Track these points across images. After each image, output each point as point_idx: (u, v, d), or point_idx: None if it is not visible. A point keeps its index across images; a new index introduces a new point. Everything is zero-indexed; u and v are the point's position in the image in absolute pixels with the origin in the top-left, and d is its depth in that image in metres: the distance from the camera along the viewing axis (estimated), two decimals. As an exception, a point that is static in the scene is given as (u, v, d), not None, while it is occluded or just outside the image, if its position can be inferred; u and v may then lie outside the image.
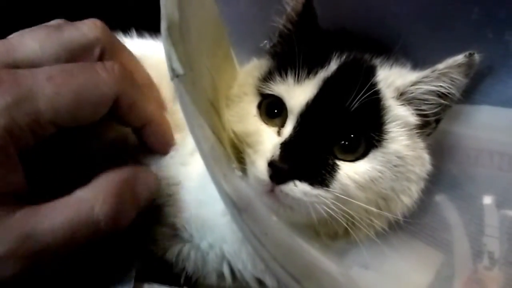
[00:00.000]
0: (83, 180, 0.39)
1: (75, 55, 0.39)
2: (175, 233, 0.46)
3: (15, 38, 0.39)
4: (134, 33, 0.56)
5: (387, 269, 0.46)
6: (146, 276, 0.46)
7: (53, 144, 0.38)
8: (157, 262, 0.48)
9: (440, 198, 0.48)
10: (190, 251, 0.46)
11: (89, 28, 0.40)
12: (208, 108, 0.39)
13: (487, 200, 0.46)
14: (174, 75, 0.29)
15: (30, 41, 0.38)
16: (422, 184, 0.45)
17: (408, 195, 0.44)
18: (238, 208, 0.34)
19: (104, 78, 0.38)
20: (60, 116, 0.36)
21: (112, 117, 0.40)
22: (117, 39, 0.43)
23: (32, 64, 0.37)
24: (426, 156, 0.45)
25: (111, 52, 0.41)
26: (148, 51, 0.50)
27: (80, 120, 0.37)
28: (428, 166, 0.45)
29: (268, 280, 0.46)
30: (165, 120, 0.44)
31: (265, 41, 0.50)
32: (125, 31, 0.58)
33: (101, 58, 0.40)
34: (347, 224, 0.41)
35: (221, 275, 0.46)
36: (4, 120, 0.33)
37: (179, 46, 0.30)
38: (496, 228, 0.45)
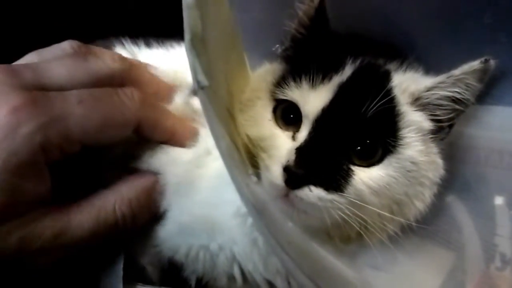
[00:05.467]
0: (95, 177, 0.45)
1: (100, 83, 0.42)
2: (183, 232, 0.47)
3: (43, 63, 0.42)
4: (142, 42, 0.57)
5: (399, 270, 0.46)
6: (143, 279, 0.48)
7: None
8: (167, 265, 0.48)
9: (451, 199, 0.48)
10: (199, 251, 0.46)
11: (111, 60, 0.44)
12: (226, 115, 0.39)
13: (498, 200, 0.46)
14: (199, 86, 0.30)
15: (58, 68, 0.41)
16: (435, 189, 0.45)
17: (421, 200, 0.44)
18: (258, 211, 0.34)
19: (128, 105, 0.42)
20: (87, 136, 0.40)
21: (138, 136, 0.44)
22: (135, 63, 0.47)
23: (60, 89, 0.40)
24: (440, 161, 0.45)
25: (129, 78, 0.45)
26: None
27: (105, 141, 0.42)
28: (441, 171, 0.45)
29: (279, 282, 0.46)
30: (188, 125, 0.48)
31: (277, 45, 0.50)
32: (125, 33, 0.59)
33: (121, 84, 0.44)
34: (360, 228, 0.41)
35: (231, 277, 0.47)
36: (39, 137, 0.37)
37: (202, 56, 0.30)
38: (508, 229, 0.45)
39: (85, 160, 0.43)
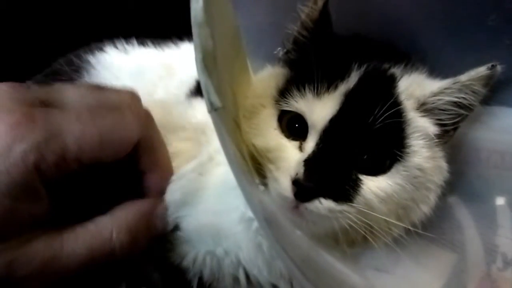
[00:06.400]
0: (98, 199, 0.43)
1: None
2: (191, 239, 0.47)
3: (60, 85, 0.42)
4: (134, 41, 0.56)
5: (401, 272, 0.46)
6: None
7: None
8: (172, 269, 0.48)
9: (452, 200, 0.48)
10: (206, 257, 0.46)
11: (126, 95, 0.43)
12: (233, 127, 0.38)
13: (500, 201, 0.47)
14: (213, 108, 0.29)
15: (71, 91, 0.41)
16: (439, 191, 0.45)
17: (427, 203, 0.44)
18: (268, 223, 0.34)
19: (130, 121, 0.40)
20: (85, 154, 0.38)
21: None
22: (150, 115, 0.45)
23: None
24: (444, 165, 0.45)
25: None
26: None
27: (103, 159, 0.40)
28: (445, 174, 0.45)
29: (283, 285, 0.47)
30: (171, 169, 0.47)
31: (279, 48, 0.49)
32: (125, 33, 0.58)
33: None
34: (365, 232, 0.42)
35: (236, 280, 0.47)
36: (33, 157, 0.35)
37: (214, 75, 0.30)
38: (509, 229, 0.46)
39: (88, 180, 0.42)
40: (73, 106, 0.40)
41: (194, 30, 0.29)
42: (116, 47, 0.59)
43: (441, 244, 0.47)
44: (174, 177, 0.46)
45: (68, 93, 0.40)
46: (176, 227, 0.47)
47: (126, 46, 0.60)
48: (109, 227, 0.40)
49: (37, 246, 0.37)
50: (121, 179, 0.45)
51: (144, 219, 0.43)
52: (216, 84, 0.29)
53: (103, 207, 0.43)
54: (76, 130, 0.37)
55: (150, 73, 0.60)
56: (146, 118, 0.42)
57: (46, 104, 0.39)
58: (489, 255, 0.45)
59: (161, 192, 0.46)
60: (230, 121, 0.35)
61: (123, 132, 0.40)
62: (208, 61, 0.29)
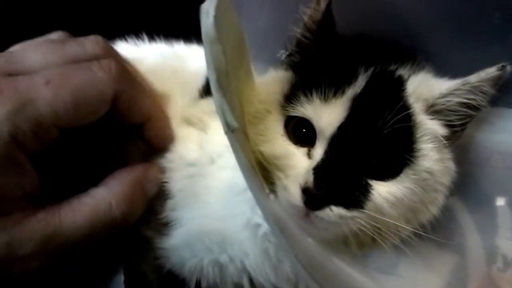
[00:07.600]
0: (91, 177, 0.42)
1: None
2: (192, 248, 0.46)
3: (17, 50, 0.40)
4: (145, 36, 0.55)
5: (407, 273, 0.47)
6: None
7: (61, 146, 0.40)
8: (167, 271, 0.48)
9: (452, 200, 0.48)
10: (208, 266, 0.46)
11: (91, 44, 0.41)
12: (243, 139, 0.37)
13: (500, 201, 0.47)
14: (229, 129, 0.28)
15: (32, 53, 0.39)
16: (447, 192, 0.45)
17: (435, 205, 0.44)
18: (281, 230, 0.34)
19: (102, 77, 0.39)
20: (60, 117, 0.37)
21: (113, 115, 0.41)
22: (118, 54, 0.43)
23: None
24: (452, 165, 0.45)
25: None
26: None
27: (81, 120, 0.39)
28: (453, 175, 0.45)
29: None
30: (164, 115, 0.46)
31: (282, 51, 0.48)
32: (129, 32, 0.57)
33: None
34: (373, 234, 0.41)
35: (239, 287, 0.47)
36: (7, 128, 0.35)
37: (228, 93, 0.29)
38: (509, 230, 0.46)
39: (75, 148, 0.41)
40: (39, 69, 0.38)
41: (206, 47, 0.28)
42: (126, 41, 0.58)
43: (442, 245, 0.47)
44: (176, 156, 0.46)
45: (30, 56, 0.39)
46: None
47: (136, 41, 0.59)
48: (107, 198, 0.40)
49: (35, 224, 0.37)
50: (107, 145, 0.44)
51: (138, 185, 0.43)
52: (229, 102, 0.28)
53: (94, 180, 0.42)
54: (47, 94, 0.36)
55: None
56: (118, 71, 0.40)
57: (11, 74, 0.37)
58: (490, 256, 0.45)
59: (162, 139, 0.46)
60: (242, 135, 0.34)
61: (96, 90, 0.39)
62: (222, 80, 0.28)
